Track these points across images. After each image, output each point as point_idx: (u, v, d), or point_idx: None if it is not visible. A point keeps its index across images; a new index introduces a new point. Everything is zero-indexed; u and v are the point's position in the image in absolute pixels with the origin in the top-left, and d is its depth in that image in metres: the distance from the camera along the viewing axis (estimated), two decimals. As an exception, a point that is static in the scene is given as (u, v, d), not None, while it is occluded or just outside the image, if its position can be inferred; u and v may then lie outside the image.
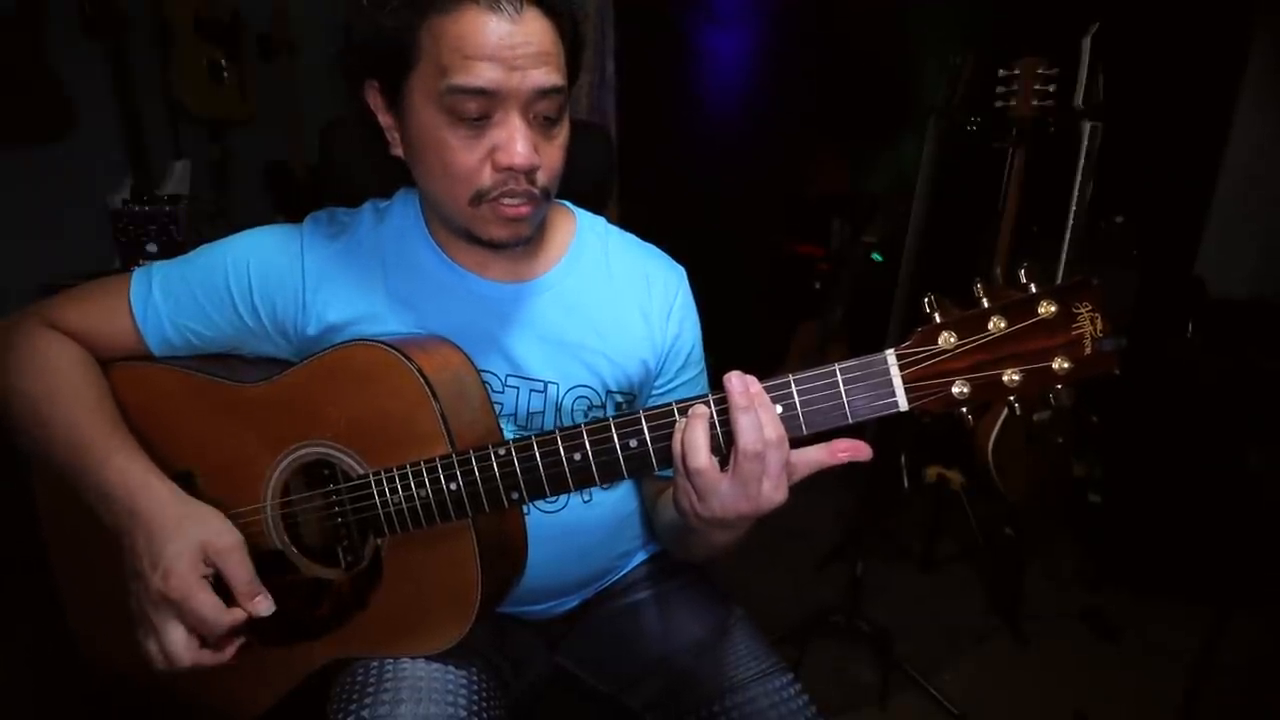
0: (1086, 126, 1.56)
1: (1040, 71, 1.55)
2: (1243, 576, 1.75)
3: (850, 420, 0.63)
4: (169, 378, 0.79)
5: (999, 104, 1.61)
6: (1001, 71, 1.59)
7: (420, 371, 0.69)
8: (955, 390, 0.61)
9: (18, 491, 0.86)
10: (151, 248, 1.67)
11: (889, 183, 3.06)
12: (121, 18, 1.85)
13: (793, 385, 0.63)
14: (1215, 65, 2.34)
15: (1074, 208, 1.60)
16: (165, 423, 0.78)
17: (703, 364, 0.95)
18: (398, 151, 0.77)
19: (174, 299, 0.80)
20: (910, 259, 1.84)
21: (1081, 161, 1.58)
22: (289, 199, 2.58)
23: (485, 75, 0.67)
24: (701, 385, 0.95)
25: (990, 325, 0.60)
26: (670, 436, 0.65)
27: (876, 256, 2.42)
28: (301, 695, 0.84)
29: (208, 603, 0.67)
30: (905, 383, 0.62)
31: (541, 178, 0.73)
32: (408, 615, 0.77)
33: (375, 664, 0.78)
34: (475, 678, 0.80)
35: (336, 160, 0.99)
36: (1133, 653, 1.88)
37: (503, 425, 0.81)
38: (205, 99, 2.25)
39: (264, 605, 0.69)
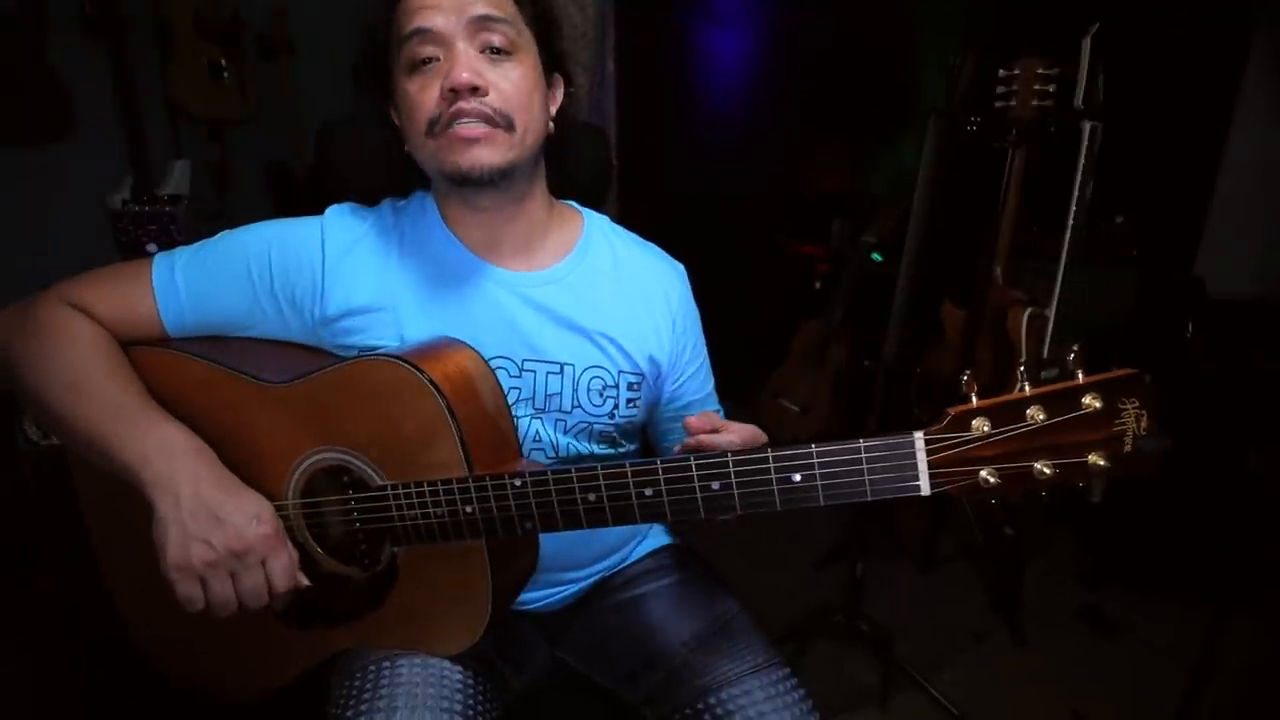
0: (1086, 126, 1.56)
1: (1040, 71, 1.55)
2: (1243, 576, 1.75)
3: (869, 498, 0.61)
4: (192, 367, 0.79)
5: (999, 104, 1.61)
6: (1001, 71, 1.59)
7: (439, 391, 0.70)
8: (982, 477, 0.59)
9: (17, 490, 0.86)
10: (151, 248, 1.67)
11: (889, 182, 3.06)
12: (121, 18, 1.85)
13: (814, 454, 0.61)
14: (1215, 65, 2.34)
15: (1074, 208, 1.60)
16: (186, 411, 0.78)
17: (705, 354, 0.98)
18: (409, 147, 0.81)
19: (195, 284, 0.81)
20: (910, 259, 1.84)
21: (1081, 161, 1.58)
22: (289, 199, 2.58)
23: (424, 18, 0.74)
24: (705, 373, 0.98)
25: (1028, 415, 0.57)
26: (686, 488, 0.65)
27: (876, 256, 2.42)
28: (301, 696, 0.85)
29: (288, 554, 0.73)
30: (931, 467, 0.59)
31: (495, 100, 0.75)
32: (421, 618, 0.78)
33: (373, 668, 0.78)
34: (472, 680, 0.80)
35: (334, 160, 1.00)
36: (1132, 653, 1.88)
37: (519, 409, 0.83)
38: (205, 99, 2.25)
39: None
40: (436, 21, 0.74)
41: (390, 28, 0.77)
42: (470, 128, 0.74)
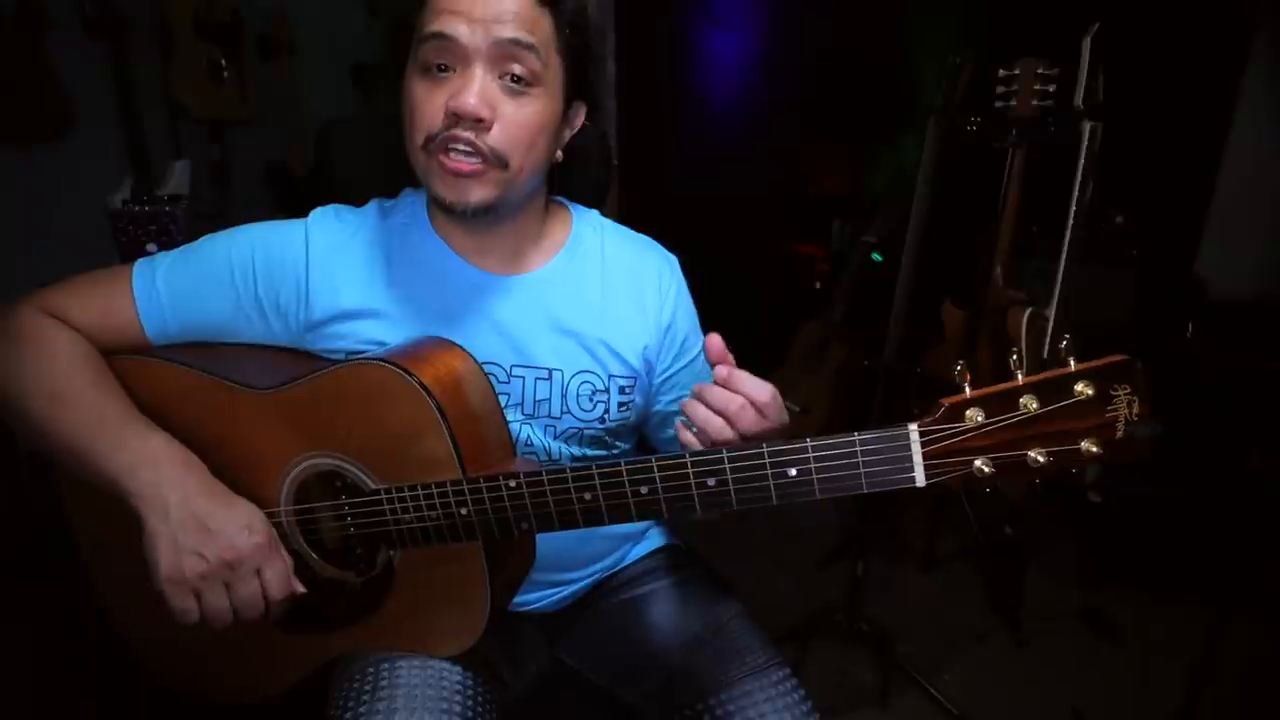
0: (1086, 126, 1.56)
1: (1040, 71, 1.54)
2: (1243, 576, 1.75)
3: (864, 490, 0.61)
4: (177, 375, 0.79)
5: (999, 104, 1.61)
6: (1001, 71, 1.59)
7: (429, 393, 0.69)
8: (977, 467, 0.59)
9: (17, 491, 0.86)
10: (151, 248, 1.67)
11: (889, 183, 3.07)
12: (121, 18, 1.84)
13: (810, 450, 0.61)
14: (1215, 65, 2.34)
15: (1074, 208, 1.60)
16: (173, 420, 0.77)
17: (700, 347, 0.95)
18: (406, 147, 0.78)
19: (177, 290, 0.80)
20: (910, 259, 1.84)
21: (1081, 161, 1.57)
22: (289, 199, 2.58)
23: (448, 24, 0.69)
24: (701, 366, 0.95)
25: (1021, 404, 0.57)
26: (681, 485, 0.64)
27: (876, 256, 2.42)
28: (301, 697, 0.84)
29: (282, 562, 0.73)
30: (925, 459, 0.59)
31: (496, 138, 0.71)
32: (419, 621, 0.78)
33: (372, 669, 0.78)
34: (471, 681, 0.80)
35: (334, 160, 1.00)
36: (1133, 653, 1.88)
37: (509, 414, 0.81)
38: (205, 99, 2.25)
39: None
40: (461, 32, 0.69)
41: (416, 17, 0.72)
42: (461, 160, 0.72)
